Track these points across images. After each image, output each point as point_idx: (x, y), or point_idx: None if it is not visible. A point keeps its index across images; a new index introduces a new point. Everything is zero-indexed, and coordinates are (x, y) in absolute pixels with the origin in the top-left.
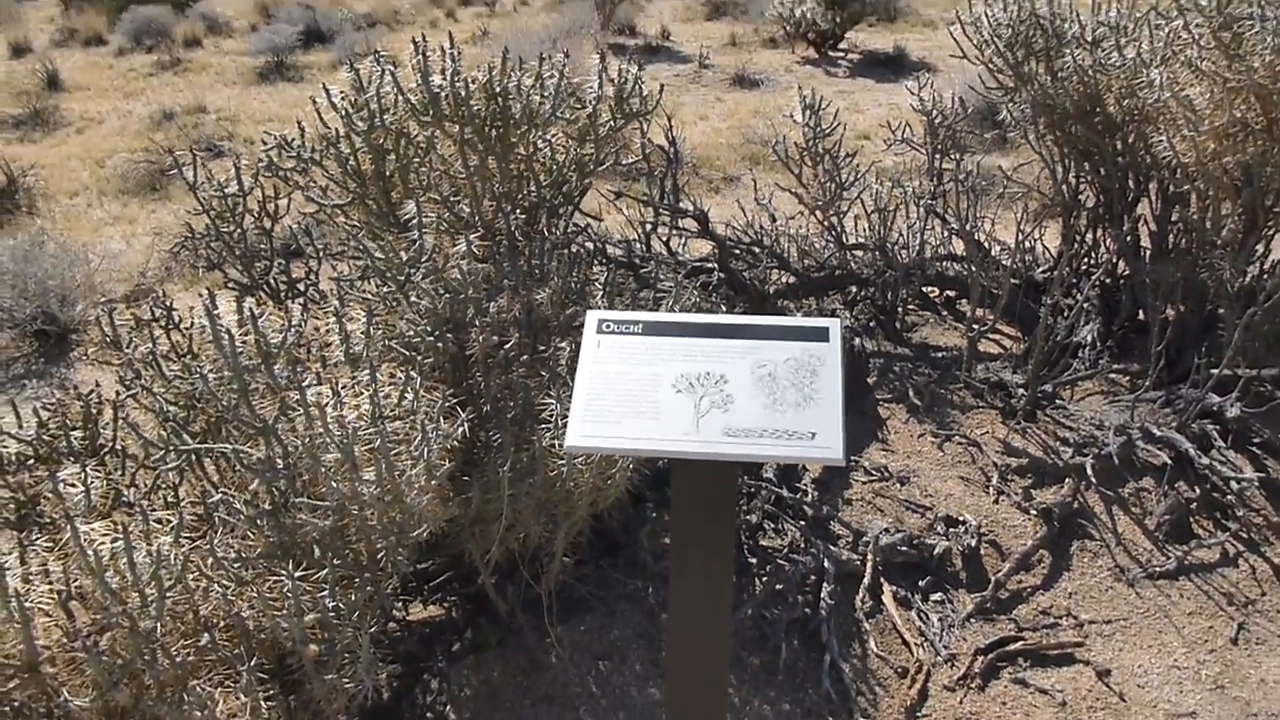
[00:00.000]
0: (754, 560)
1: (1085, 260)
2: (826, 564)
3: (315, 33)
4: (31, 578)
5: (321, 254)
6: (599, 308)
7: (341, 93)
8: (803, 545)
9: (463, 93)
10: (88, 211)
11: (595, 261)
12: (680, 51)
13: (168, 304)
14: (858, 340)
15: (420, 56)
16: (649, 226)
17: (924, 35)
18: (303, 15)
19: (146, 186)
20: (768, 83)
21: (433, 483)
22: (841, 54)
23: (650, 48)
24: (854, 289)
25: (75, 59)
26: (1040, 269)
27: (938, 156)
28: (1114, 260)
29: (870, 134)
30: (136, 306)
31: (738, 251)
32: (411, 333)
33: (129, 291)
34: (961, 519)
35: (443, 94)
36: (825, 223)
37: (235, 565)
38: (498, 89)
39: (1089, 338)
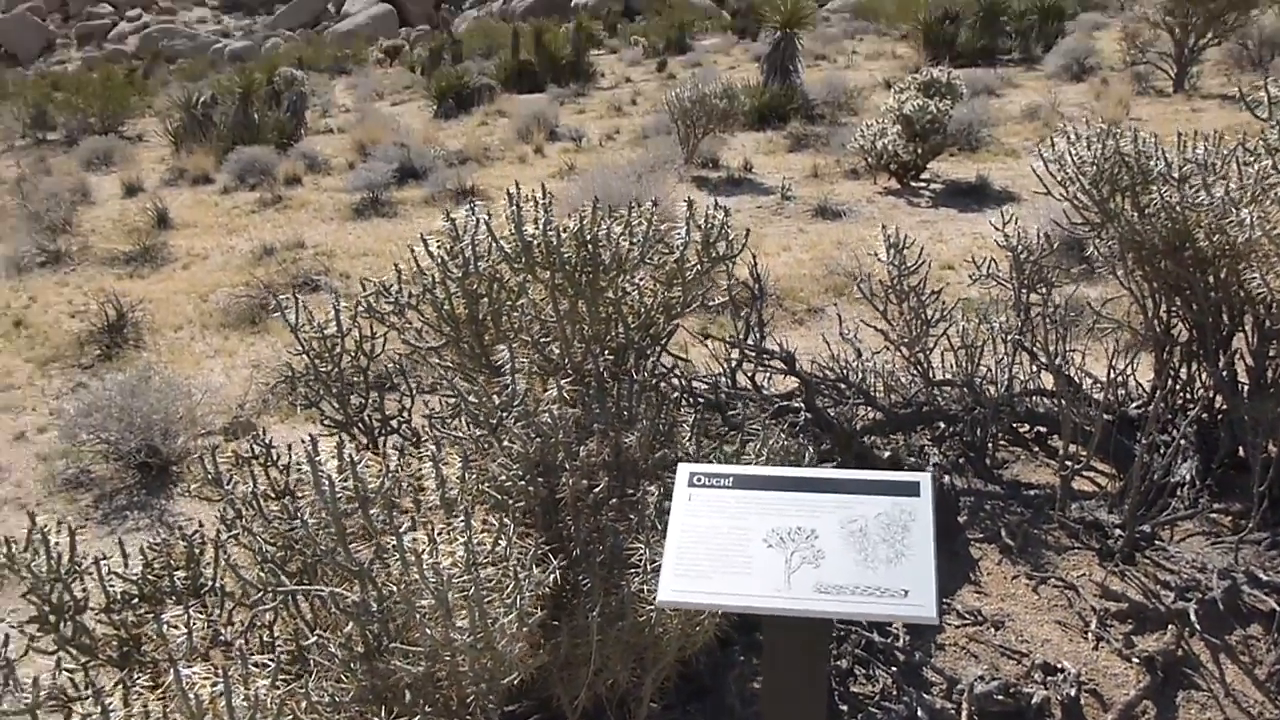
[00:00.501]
0: (845, 708)
1: (1180, 396)
2: (920, 713)
3: (409, 170)
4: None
5: (414, 391)
6: (687, 451)
7: (438, 241)
8: (895, 693)
9: (554, 241)
10: (191, 344)
11: (682, 402)
12: (763, 183)
13: (267, 441)
14: (947, 478)
15: (514, 207)
16: (734, 362)
17: (1006, 164)
18: (398, 153)
19: (246, 320)
20: (850, 213)
21: (524, 630)
22: (924, 184)
23: (733, 180)
24: (942, 425)
25: (183, 197)
26: (1134, 404)
27: (1024, 291)
28: (1210, 396)
29: (954, 264)
30: (234, 440)
31: (823, 388)
32: (504, 477)
33: (227, 424)
34: (1059, 666)
35: (535, 243)
36: (911, 359)
37: (329, 709)
38: (588, 237)
39: (1187, 476)
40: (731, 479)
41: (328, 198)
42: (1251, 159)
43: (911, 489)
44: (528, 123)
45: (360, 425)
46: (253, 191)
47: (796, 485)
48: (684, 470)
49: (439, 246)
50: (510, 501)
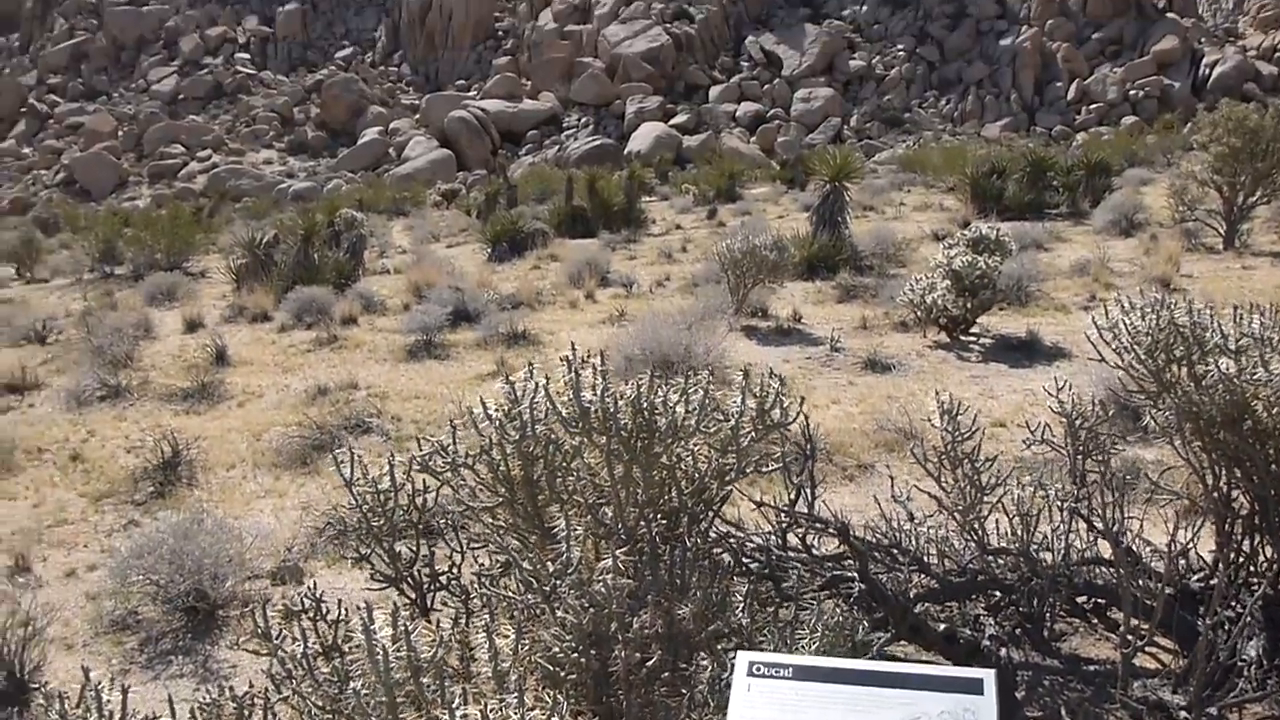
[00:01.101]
0: None
1: (1244, 570)
2: None
3: (463, 312)
4: None
5: (465, 547)
6: (740, 623)
7: (496, 402)
8: None
9: (611, 408)
10: (242, 484)
11: (734, 571)
12: (812, 334)
13: (317, 595)
14: (1004, 650)
15: (573, 373)
16: (785, 523)
17: (1056, 320)
18: (452, 296)
19: (298, 460)
20: (900, 367)
21: None
22: (973, 338)
23: (782, 330)
24: (998, 594)
25: (242, 334)
26: (1195, 577)
27: (1080, 458)
28: (1276, 571)
29: (1006, 421)
30: (281, 584)
31: (876, 554)
32: (557, 648)
33: (275, 568)
34: None
35: (593, 409)
36: (965, 525)
37: None
38: (645, 404)
39: (1254, 655)
40: (791, 669)
41: (382, 338)
42: None
43: (975, 686)
44: (580, 268)
45: (410, 580)
46: (309, 330)
47: (858, 679)
48: (743, 659)
49: (497, 408)
50: (563, 674)
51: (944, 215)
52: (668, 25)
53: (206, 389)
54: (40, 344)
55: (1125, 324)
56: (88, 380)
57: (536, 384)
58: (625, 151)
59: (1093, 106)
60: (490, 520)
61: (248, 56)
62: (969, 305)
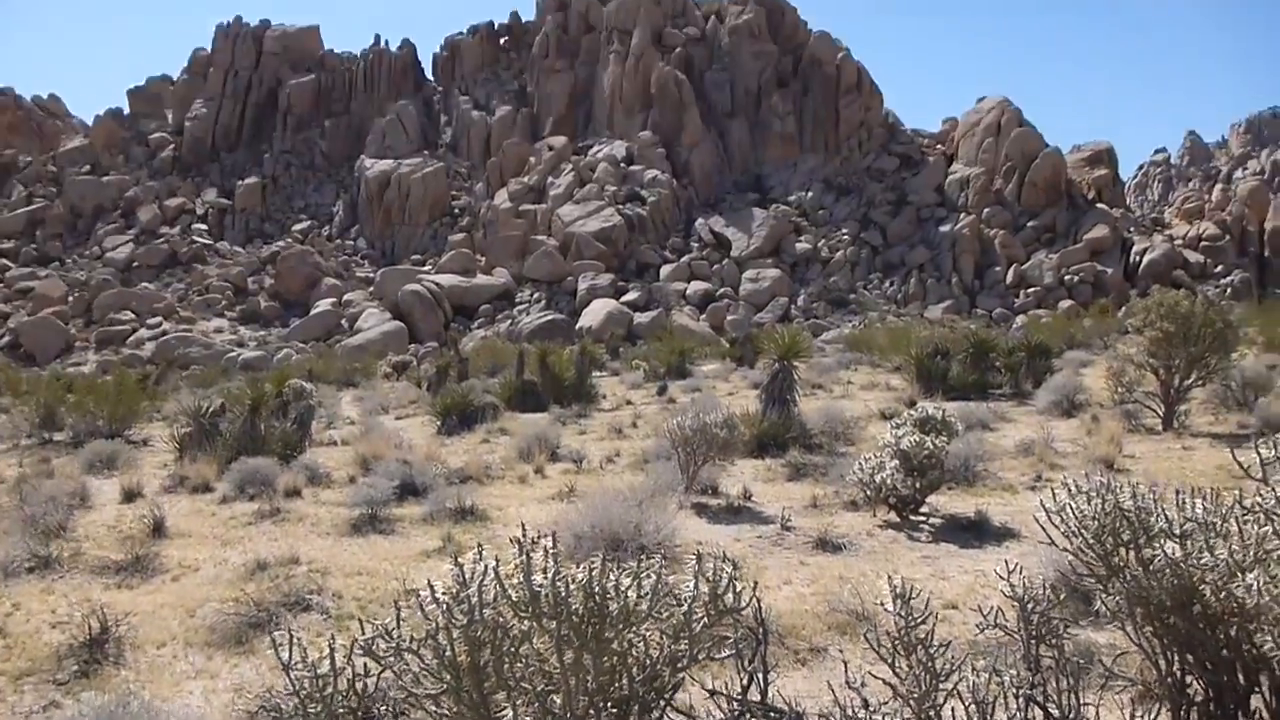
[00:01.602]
0: None
1: None
2: None
3: (410, 486)
4: None
5: None
6: None
7: (443, 585)
8: None
9: (563, 592)
10: (173, 664)
11: None
12: (762, 512)
13: None
14: None
15: (524, 556)
16: (739, 713)
17: (1004, 499)
18: (399, 470)
19: (233, 640)
20: (851, 546)
21: None
22: (923, 518)
23: (733, 508)
24: None
25: (181, 505)
26: None
27: (1033, 643)
28: None
29: (958, 603)
30: None
31: None
32: None
33: None
34: None
35: (543, 593)
36: (921, 714)
37: None
38: (596, 589)
39: None
40: None
41: (326, 512)
42: (1251, 519)
43: None
44: (530, 442)
45: None
46: (252, 502)
47: None
48: None
49: (444, 590)
50: None
51: (891, 394)
52: (620, 206)
53: (141, 562)
54: None
55: (1072, 508)
56: (17, 550)
57: (486, 565)
58: (577, 327)
59: (1030, 290)
60: (435, 709)
61: (205, 227)
62: (918, 485)
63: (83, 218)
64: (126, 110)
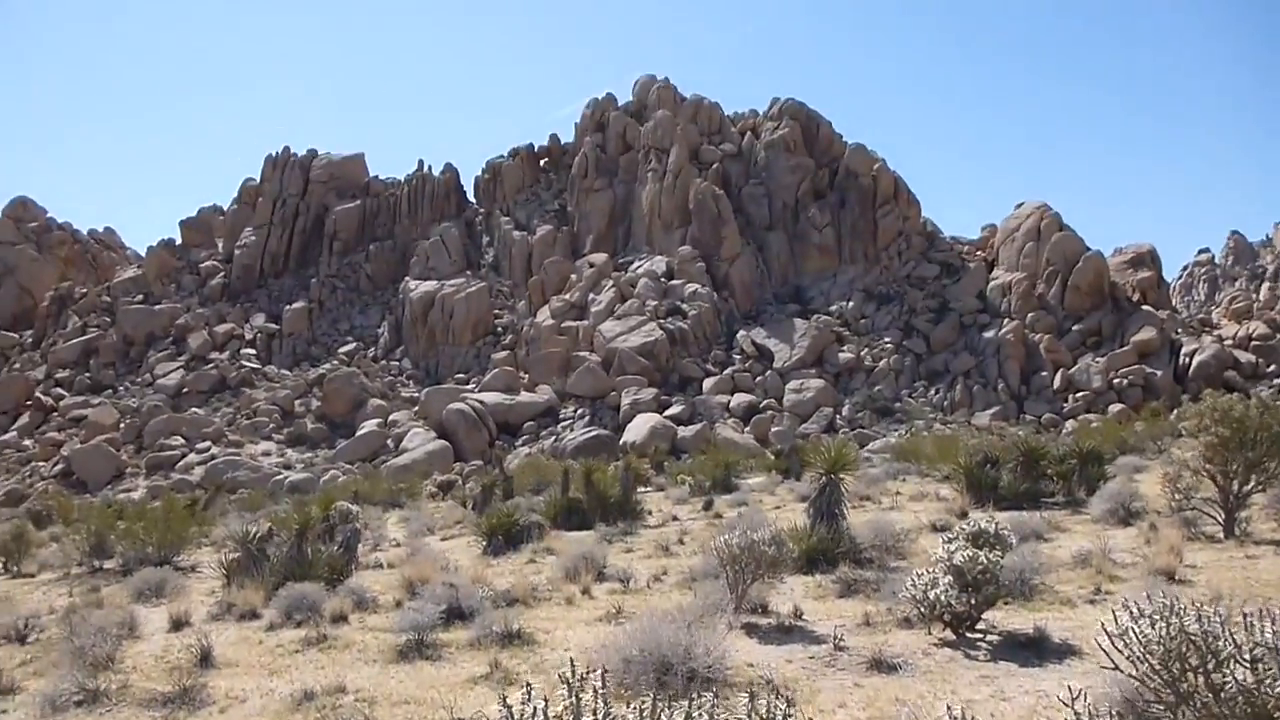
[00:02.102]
0: None
1: None
2: None
3: (456, 610)
4: None
5: None
6: None
7: None
8: None
9: None
10: None
11: None
12: (814, 631)
13: None
14: None
15: (573, 698)
16: None
17: (1063, 614)
18: (445, 593)
19: None
20: (906, 666)
21: None
22: (980, 635)
23: (783, 628)
24: None
25: (228, 633)
26: None
27: None
28: None
29: None
30: None
31: None
32: None
33: None
34: None
35: None
36: None
37: None
38: None
39: None
40: None
41: (373, 638)
42: None
43: None
44: (576, 562)
45: None
46: (299, 629)
47: None
48: None
49: None
50: None
51: (941, 505)
52: (661, 321)
53: (188, 694)
54: (20, 643)
55: (1136, 632)
56: (65, 684)
57: (535, 709)
58: (621, 442)
59: (1079, 394)
60: None
61: (253, 352)
62: (973, 601)
63: (135, 346)
64: (178, 240)
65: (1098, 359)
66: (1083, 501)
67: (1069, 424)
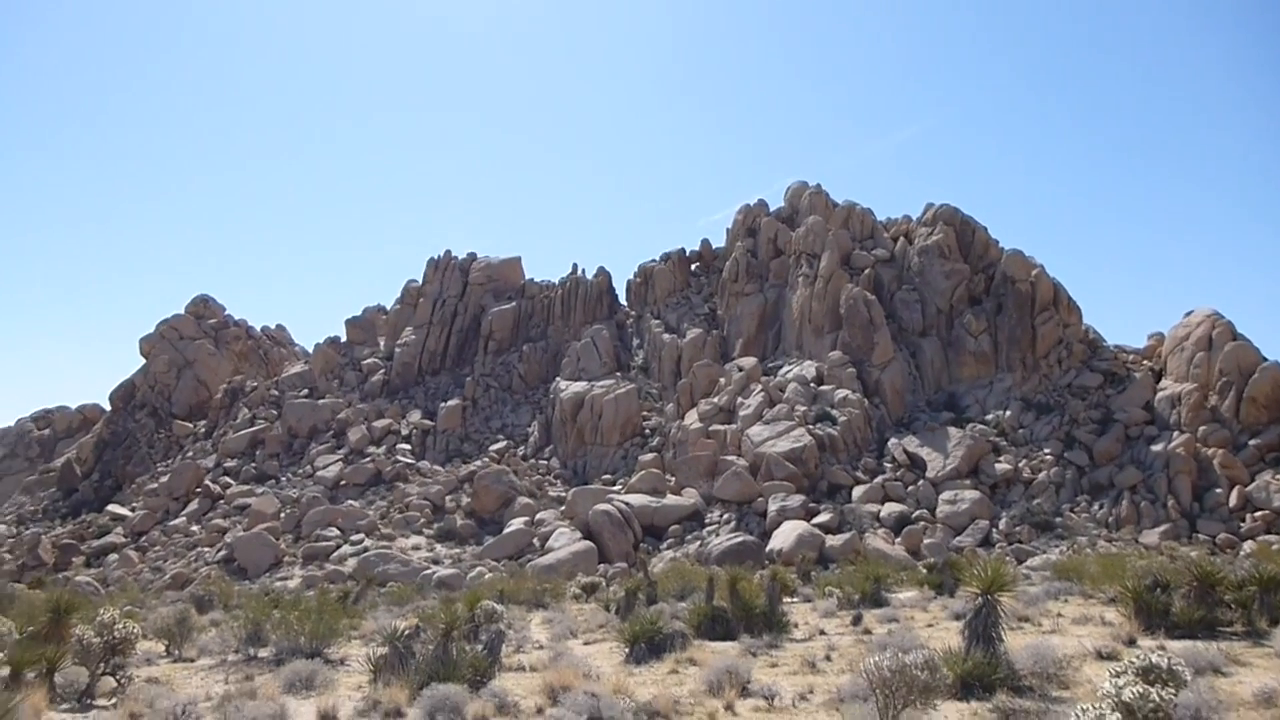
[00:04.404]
0: None
1: None
2: None
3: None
4: None
5: None
6: None
7: None
8: None
9: None
10: None
11: None
12: None
13: None
14: None
15: None
16: None
17: None
18: (587, 702)
19: None
20: None
21: None
22: None
23: None
24: None
25: None
26: None
27: None
28: None
29: None
30: None
31: None
32: None
33: None
34: None
35: None
36: None
37: None
38: None
39: None
40: None
41: None
42: None
43: None
44: (719, 675)
45: None
46: None
47: None
48: None
49: None
50: None
51: (1106, 630)
52: (810, 427)
53: None
54: None
55: None
56: None
57: None
58: (767, 549)
59: (1258, 514)
60: None
61: (409, 447)
62: None
63: (299, 438)
64: (343, 338)
65: (1278, 476)
66: (1264, 633)
67: (1247, 545)
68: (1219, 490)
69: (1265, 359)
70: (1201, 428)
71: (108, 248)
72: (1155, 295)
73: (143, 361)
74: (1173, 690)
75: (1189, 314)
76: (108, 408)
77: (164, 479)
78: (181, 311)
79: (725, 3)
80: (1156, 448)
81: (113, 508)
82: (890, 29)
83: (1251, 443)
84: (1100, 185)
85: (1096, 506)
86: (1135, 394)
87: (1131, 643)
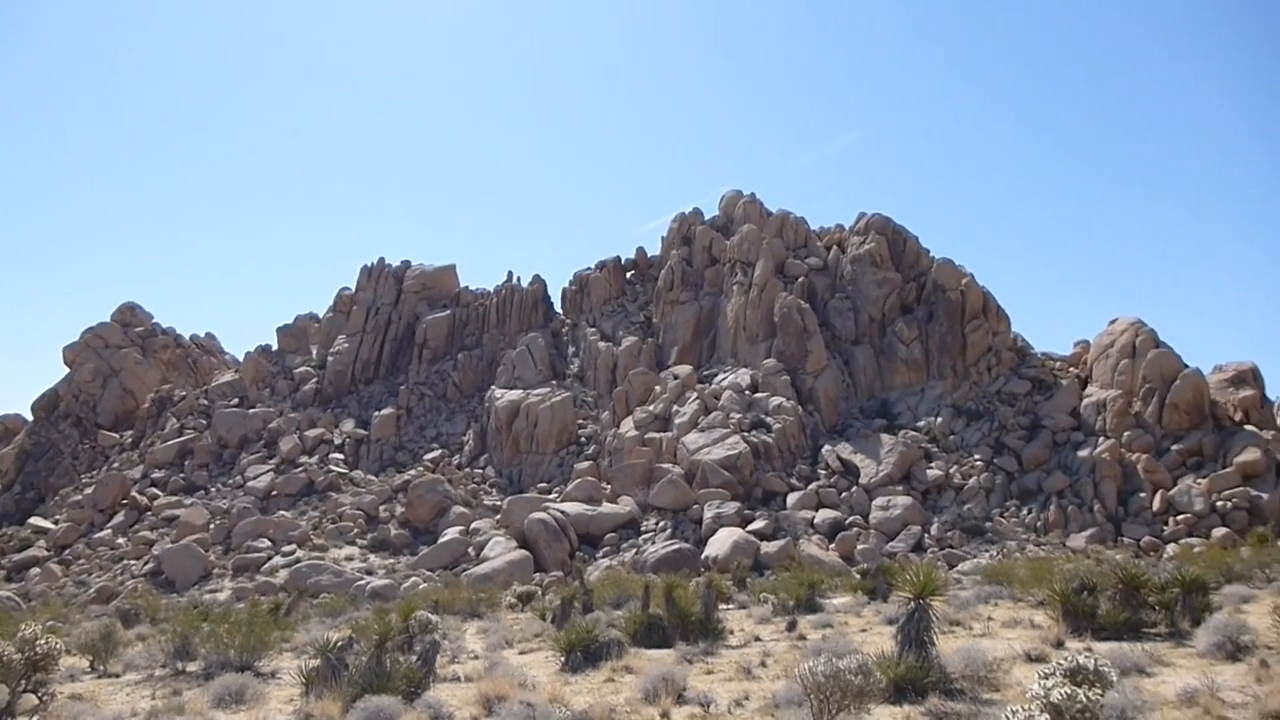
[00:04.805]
0: None
1: None
2: None
3: None
4: None
5: None
6: None
7: None
8: None
9: None
10: None
11: None
12: None
13: None
14: None
15: None
16: None
17: None
18: (522, 711)
19: None
20: None
21: None
22: None
23: None
24: None
25: None
26: None
27: None
28: None
29: None
30: None
31: None
32: None
33: None
34: None
35: None
36: None
37: None
38: None
39: None
40: None
41: None
42: None
43: None
44: (655, 683)
45: None
46: None
47: None
48: None
49: None
50: None
51: (1035, 633)
52: (745, 434)
53: None
54: None
55: None
56: None
57: None
58: (702, 556)
59: (1180, 517)
60: None
61: (342, 456)
62: None
63: (229, 448)
64: (275, 346)
65: (1199, 480)
66: (1187, 633)
67: (1170, 548)
68: (1143, 494)
69: (1186, 366)
70: (1126, 433)
71: (29, 253)
72: (1080, 302)
73: (66, 370)
74: (1099, 691)
75: (1113, 322)
76: (30, 418)
77: (89, 490)
78: (107, 319)
79: (662, 12)
80: (1083, 453)
81: (35, 520)
82: (827, 39)
83: (1174, 448)
84: (1028, 193)
85: (1025, 511)
86: (1062, 400)
87: (1059, 645)
